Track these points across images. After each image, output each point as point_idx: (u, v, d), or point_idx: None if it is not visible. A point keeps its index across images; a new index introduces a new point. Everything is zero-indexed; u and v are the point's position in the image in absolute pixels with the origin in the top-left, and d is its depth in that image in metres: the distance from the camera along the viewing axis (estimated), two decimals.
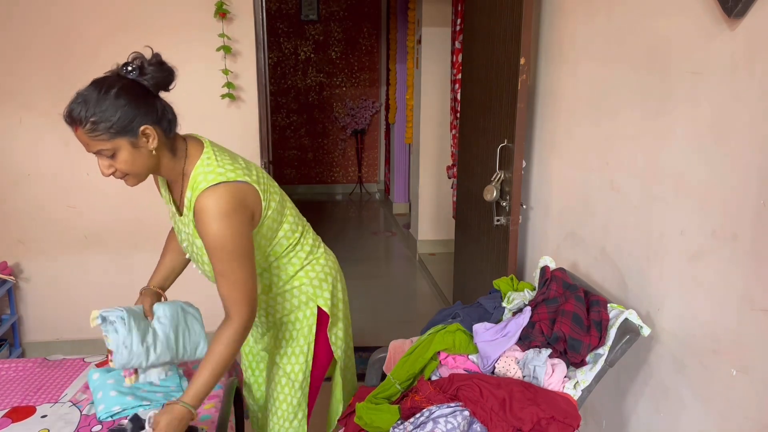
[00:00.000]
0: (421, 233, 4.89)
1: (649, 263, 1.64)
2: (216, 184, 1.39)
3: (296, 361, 1.72)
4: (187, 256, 1.69)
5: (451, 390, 1.48)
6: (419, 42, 4.66)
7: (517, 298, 1.82)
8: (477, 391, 1.44)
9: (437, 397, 1.47)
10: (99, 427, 1.58)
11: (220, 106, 3.04)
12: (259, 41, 3.02)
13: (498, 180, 2.26)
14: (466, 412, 1.39)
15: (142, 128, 1.35)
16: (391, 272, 4.72)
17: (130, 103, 1.35)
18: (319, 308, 1.71)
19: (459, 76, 3.85)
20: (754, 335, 1.28)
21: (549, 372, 1.51)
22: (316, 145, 7.45)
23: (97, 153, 1.35)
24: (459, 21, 3.88)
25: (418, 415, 1.43)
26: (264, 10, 3.03)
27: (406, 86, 5.37)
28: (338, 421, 1.66)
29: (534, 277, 1.91)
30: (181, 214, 1.54)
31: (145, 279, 3.16)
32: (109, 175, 1.39)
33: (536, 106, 2.33)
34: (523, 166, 2.20)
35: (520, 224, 2.24)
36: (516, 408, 1.38)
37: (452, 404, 1.43)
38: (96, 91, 1.33)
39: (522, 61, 2.09)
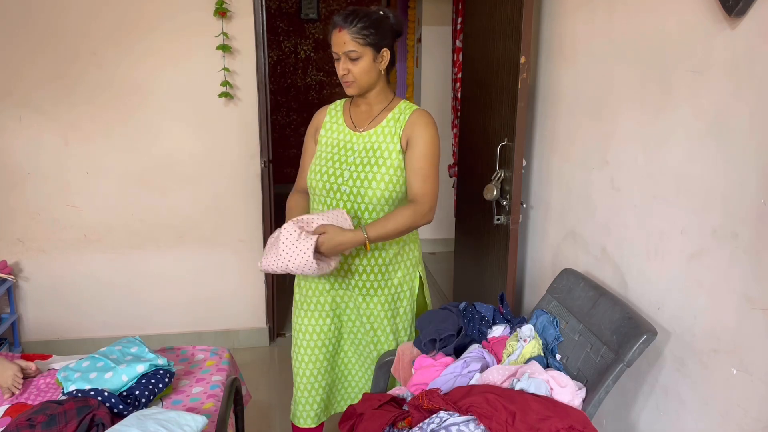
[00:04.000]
0: (421, 232, 4.87)
1: (649, 262, 1.64)
2: (419, 107, 1.82)
3: (406, 320, 1.92)
4: (338, 179, 1.80)
5: (464, 407, 1.46)
6: (419, 41, 4.65)
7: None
8: (490, 406, 1.42)
9: (449, 408, 1.45)
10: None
11: (220, 105, 3.04)
12: (259, 40, 3.01)
13: (498, 179, 2.26)
14: (482, 426, 1.38)
15: (383, 49, 1.74)
16: None
17: (387, 29, 1.74)
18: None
19: (459, 75, 3.85)
20: (754, 335, 1.28)
21: (551, 388, 1.51)
22: None
23: (345, 54, 1.70)
24: (459, 20, 3.88)
25: (428, 421, 1.41)
26: (264, 9, 3.02)
27: (406, 85, 5.36)
28: (339, 424, 1.65)
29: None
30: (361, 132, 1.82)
31: (145, 278, 3.17)
32: (343, 75, 1.73)
33: (536, 105, 2.33)
34: (524, 165, 2.20)
35: (520, 223, 2.24)
36: (533, 420, 1.37)
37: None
38: (368, 10, 1.73)
39: (522, 59, 2.08)
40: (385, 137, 1.79)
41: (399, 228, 1.70)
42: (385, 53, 1.74)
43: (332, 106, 1.91)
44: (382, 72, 1.77)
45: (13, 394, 1.79)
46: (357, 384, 2.02)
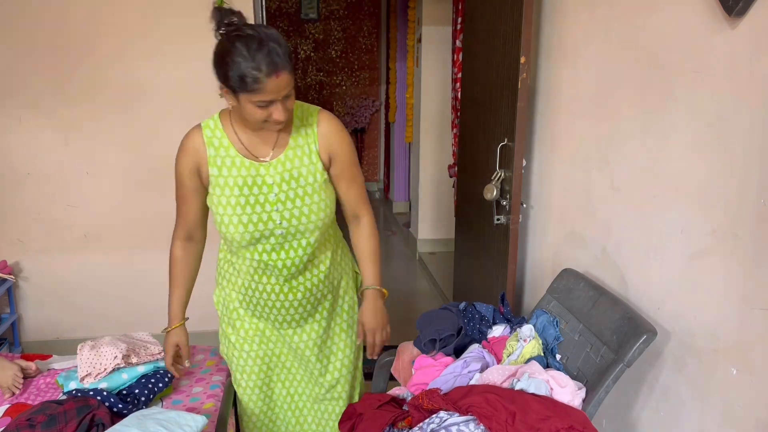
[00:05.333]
0: (421, 232, 4.89)
1: (649, 262, 1.64)
2: (319, 109, 1.56)
3: (352, 316, 1.81)
4: (275, 215, 1.54)
5: (463, 407, 1.46)
6: (419, 41, 4.65)
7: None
8: (490, 406, 1.42)
9: (449, 408, 1.45)
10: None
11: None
12: None
13: (498, 179, 2.26)
14: (482, 426, 1.38)
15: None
16: (391, 271, 4.71)
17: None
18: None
19: (459, 74, 3.85)
20: (754, 334, 1.28)
21: (551, 388, 1.51)
22: None
23: (285, 97, 1.39)
24: (459, 20, 3.88)
25: (428, 421, 1.41)
26: (264, 9, 3.02)
27: (406, 85, 5.36)
28: (339, 424, 1.65)
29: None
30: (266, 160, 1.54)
31: (145, 278, 3.17)
32: (280, 121, 1.41)
33: (537, 105, 2.33)
34: (524, 165, 2.20)
35: (520, 223, 2.24)
36: (532, 420, 1.37)
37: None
38: (274, 32, 1.39)
39: (522, 59, 2.08)
40: (301, 159, 1.53)
41: (380, 253, 1.72)
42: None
43: (206, 133, 1.53)
44: None
45: (13, 393, 1.79)
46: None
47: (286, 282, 1.62)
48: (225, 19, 1.42)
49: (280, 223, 1.53)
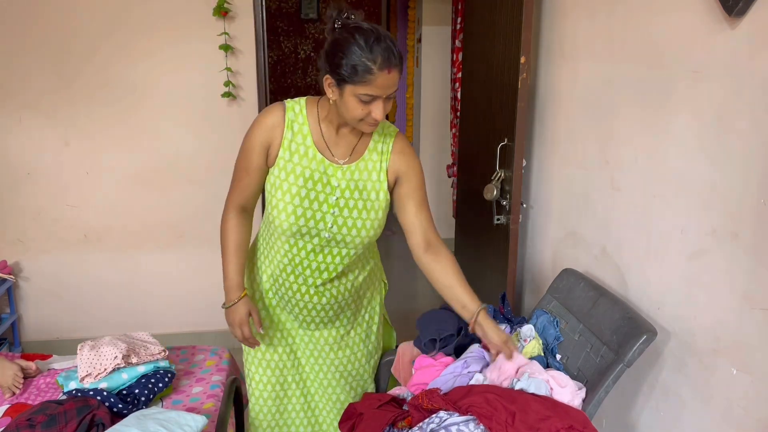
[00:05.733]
0: None
1: (649, 262, 1.64)
2: (398, 131, 1.58)
3: (377, 331, 1.80)
4: (328, 219, 1.52)
5: (463, 407, 1.46)
6: (419, 41, 4.65)
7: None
8: (490, 406, 1.42)
9: (449, 408, 1.45)
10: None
11: (221, 105, 3.04)
12: (259, 40, 3.01)
13: (498, 179, 2.26)
14: (482, 426, 1.37)
15: None
16: (391, 271, 4.71)
17: None
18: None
19: (459, 74, 3.85)
20: (755, 334, 1.28)
21: (551, 388, 1.51)
22: None
23: (388, 97, 1.39)
24: (459, 20, 3.88)
25: (428, 420, 1.40)
26: (264, 9, 3.02)
27: (406, 85, 5.36)
28: (339, 424, 1.65)
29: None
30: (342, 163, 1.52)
31: (145, 278, 3.17)
32: (378, 120, 1.40)
33: (536, 105, 2.33)
34: (524, 164, 2.20)
35: (520, 223, 2.24)
36: (532, 420, 1.37)
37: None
38: (392, 38, 1.38)
39: (522, 59, 2.08)
40: (370, 173, 1.53)
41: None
42: None
43: (289, 117, 1.49)
44: None
45: (13, 393, 1.79)
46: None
47: (314, 285, 1.60)
48: (344, 14, 1.41)
49: (331, 227, 1.51)
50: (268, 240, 1.64)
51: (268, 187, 1.54)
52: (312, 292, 1.61)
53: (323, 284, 1.60)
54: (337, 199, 1.50)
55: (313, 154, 1.49)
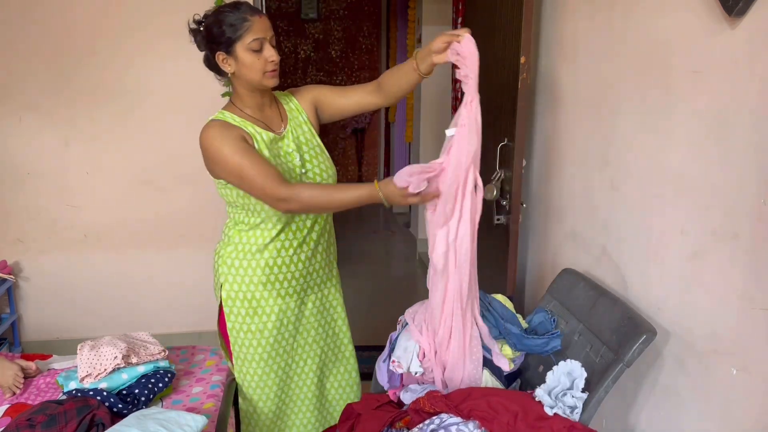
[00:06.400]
0: (421, 232, 4.88)
1: (649, 262, 1.64)
2: (290, 89, 1.86)
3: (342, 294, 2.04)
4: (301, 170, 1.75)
5: (465, 410, 1.45)
6: (419, 41, 4.65)
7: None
8: (491, 409, 1.41)
9: (450, 412, 1.45)
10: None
11: (219, 104, 3.03)
12: None
13: (498, 179, 2.26)
14: (483, 429, 1.37)
15: None
16: (391, 271, 4.71)
17: None
18: None
19: None
20: (755, 334, 1.28)
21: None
22: None
23: (270, 40, 1.61)
24: (459, 20, 3.88)
25: (428, 422, 1.40)
26: (264, 9, 3.02)
27: None
28: (338, 425, 1.65)
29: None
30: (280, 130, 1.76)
31: (145, 278, 3.17)
32: (274, 62, 1.61)
33: (536, 105, 2.33)
34: (524, 165, 2.20)
35: (520, 223, 2.24)
36: (533, 419, 1.37)
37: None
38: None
39: (522, 59, 2.08)
40: (301, 127, 1.79)
41: None
42: None
43: (233, 122, 1.68)
44: None
45: (13, 393, 1.79)
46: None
47: (308, 247, 1.80)
48: (202, 15, 1.67)
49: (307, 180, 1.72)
50: (250, 240, 1.76)
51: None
52: (310, 254, 1.81)
53: (315, 242, 1.82)
54: (299, 160, 1.73)
55: (266, 137, 1.70)
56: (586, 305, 1.74)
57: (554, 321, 1.78)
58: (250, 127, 1.68)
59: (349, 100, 1.80)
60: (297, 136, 1.76)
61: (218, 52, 1.62)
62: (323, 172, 1.77)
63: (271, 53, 1.60)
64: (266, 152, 1.67)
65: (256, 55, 1.59)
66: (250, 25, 1.56)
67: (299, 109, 1.81)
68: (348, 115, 1.86)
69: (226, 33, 1.57)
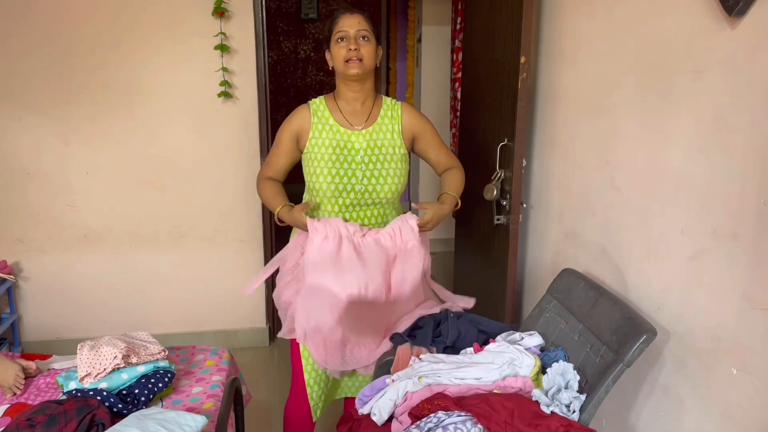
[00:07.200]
0: None
1: (649, 262, 1.64)
2: (403, 102, 1.98)
3: None
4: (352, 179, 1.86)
5: (464, 407, 1.45)
6: (419, 40, 4.65)
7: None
8: (489, 406, 1.41)
9: (450, 407, 1.45)
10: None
11: (219, 104, 3.04)
12: (259, 40, 3.01)
13: (498, 179, 2.26)
14: (480, 426, 1.37)
15: (379, 46, 1.86)
16: None
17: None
18: None
19: (459, 74, 3.85)
20: (755, 334, 1.28)
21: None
22: None
23: (357, 33, 1.79)
24: (459, 20, 3.88)
25: (426, 420, 1.40)
26: (264, 9, 3.02)
27: (406, 85, 5.36)
28: (337, 427, 1.65)
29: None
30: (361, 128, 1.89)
31: (145, 278, 3.17)
32: (353, 51, 1.78)
33: (536, 105, 2.33)
34: (524, 164, 2.20)
35: (520, 223, 2.24)
36: (531, 417, 1.37)
37: (463, 413, 1.40)
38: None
39: (522, 59, 2.08)
40: (386, 133, 1.88)
41: (463, 181, 1.97)
42: (380, 50, 1.86)
43: (313, 108, 1.90)
44: (377, 66, 1.86)
45: (14, 394, 1.79)
46: None
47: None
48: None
49: (362, 179, 1.84)
50: (312, 212, 1.91)
51: (305, 161, 1.88)
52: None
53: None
54: (361, 157, 1.85)
55: (336, 128, 1.86)
56: (586, 305, 1.74)
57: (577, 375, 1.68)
58: (321, 117, 1.87)
59: (429, 156, 2.00)
60: (375, 139, 1.87)
61: (326, 50, 1.85)
62: (380, 179, 1.85)
63: (345, 49, 1.78)
64: (327, 140, 1.85)
65: (340, 45, 1.79)
66: (338, 22, 1.80)
67: (396, 118, 1.91)
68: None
69: (326, 31, 1.84)
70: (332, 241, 1.72)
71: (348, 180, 1.84)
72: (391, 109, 1.92)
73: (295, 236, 1.91)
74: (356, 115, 1.89)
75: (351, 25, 1.78)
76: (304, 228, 1.76)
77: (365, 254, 1.74)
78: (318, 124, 1.87)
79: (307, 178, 1.90)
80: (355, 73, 1.79)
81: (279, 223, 1.84)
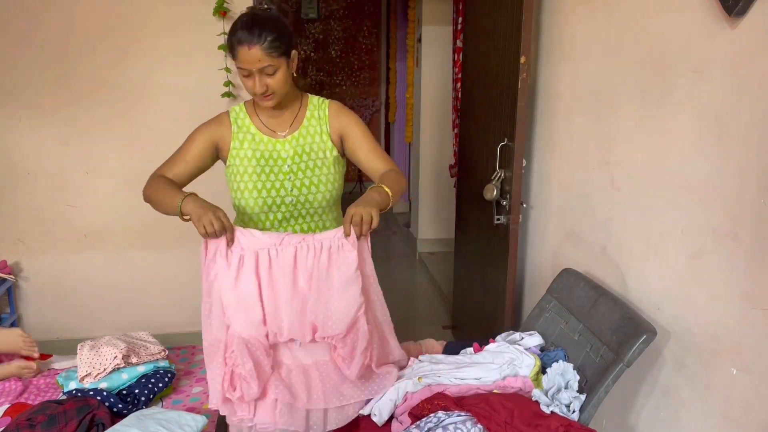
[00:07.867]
0: (421, 232, 4.88)
1: (649, 262, 1.64)
2: (330, 101, 1.78)
3: None
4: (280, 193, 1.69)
5: (464, 407, 1.45)
6: (419, 40, 4.65)
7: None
8: (489, 406, 1.41)
9: (450, 406, 1.45)
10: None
11: (222, 105, 3.03)
12: None
13: (498, 179, 2.26)
14: (480, 425, 1.37)
15: (292, 52, 1.61)
16: (391, 271, 4.71)
17: (288, 30, 1.60)
18: None
19: (460, 74, 3.85)
20: (754, 334, 1.28)
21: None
22: None
23: (260, 71, 1.55)
24: (460, 19, 3.88)
25: (426, 419, 1.40)
26: None
27: (406, 85, 5.36)
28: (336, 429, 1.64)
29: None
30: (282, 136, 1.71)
31: (145, 278, 3.17)
32: (261, 93, 1.58)
33: (536, 105, 2.33)
34: (524, 164, 2.20)
35: (520, 223, 2.24)
36: (531, 417, 1.37)
37: (463, 413, 1.40)
38: (268, 16, 1.57)
39: (522, 59, 2.08)
40: (314, 137, 1.72)
41: (403, 186, 1.62)
42: (294, 55, 1.63)
43: (233, 117, 1.71)
44: (294, 74, 1.68)
45: (33, 357, 1.78)
46: None
47: None
48: (261, 3, 1.63)
49: (291, 191, 1.68)
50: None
51: (229, 177, 1.71)
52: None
53: None
54: (289, 166, 1.69)
55: (259, 138, 1.70)
56: (586, 305, 1.74)
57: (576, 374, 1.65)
58: (242, 127, 1.70)
59: (359, 159, 1.73)
60: (303, 144, 1.70)
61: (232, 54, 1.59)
62: (311, 187, 1.68)
63: (254, 85, 1.56)
64: (249, 151, 1.67)
65: (245, 79, 1.58)
66: (237, 55, 1.54)
67: (324, 119, 1.74)
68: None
69: (230, 46, 1.57)
70: (236, 267, 1.53)
71: (276, 193, 1.67)
72: (318, 109, 1.75)
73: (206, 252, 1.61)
74: (279, 122, 1.72)
75: (251, 62, 1.53)
76: (221, 229, 1.49)
77: (276, 277, 1.52)
78: (239, 133, 1.69)
79: (232, 195, 1.71)
80: (269, 105, 1.63)
81: (183, 219, 1.53)
